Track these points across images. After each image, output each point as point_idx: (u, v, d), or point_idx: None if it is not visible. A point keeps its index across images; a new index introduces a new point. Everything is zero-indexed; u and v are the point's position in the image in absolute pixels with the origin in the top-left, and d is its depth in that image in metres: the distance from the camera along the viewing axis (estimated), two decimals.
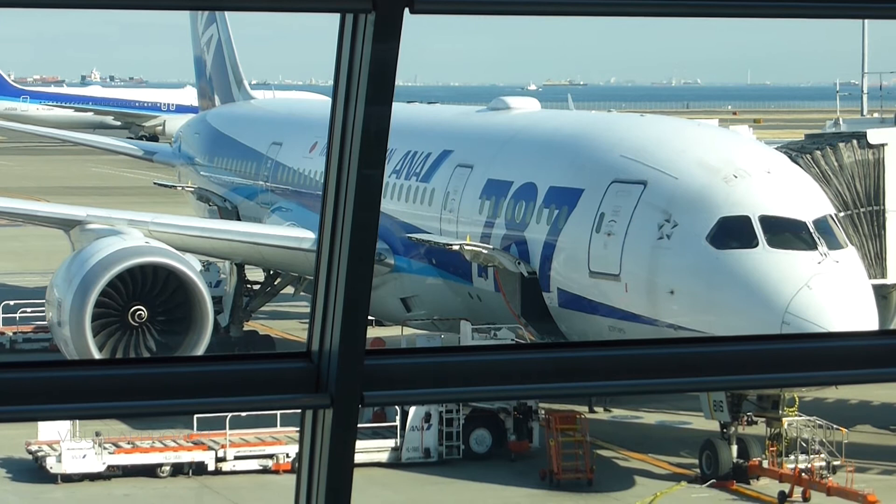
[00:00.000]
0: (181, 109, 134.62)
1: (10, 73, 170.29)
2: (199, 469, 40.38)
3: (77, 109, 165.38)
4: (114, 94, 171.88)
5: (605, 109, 57.54)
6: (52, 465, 39.25)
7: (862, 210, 43.24)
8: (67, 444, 39.35)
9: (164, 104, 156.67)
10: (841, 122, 49.21)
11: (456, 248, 45.17)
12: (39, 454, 39.82)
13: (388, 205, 47.81)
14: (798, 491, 38.39)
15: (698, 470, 40.09)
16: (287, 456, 40.02)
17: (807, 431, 39.68)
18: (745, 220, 38.52)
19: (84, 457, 39.29)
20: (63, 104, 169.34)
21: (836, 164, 43.40)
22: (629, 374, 9.19)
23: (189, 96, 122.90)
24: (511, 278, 43.46)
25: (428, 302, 48.47)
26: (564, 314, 41.99)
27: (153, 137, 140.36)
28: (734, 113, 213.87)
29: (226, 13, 72.17)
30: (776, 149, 44.55)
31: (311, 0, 7.82)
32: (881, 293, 41.19)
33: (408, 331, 49.33)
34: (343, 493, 8.22)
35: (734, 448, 39.84)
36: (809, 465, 38.86)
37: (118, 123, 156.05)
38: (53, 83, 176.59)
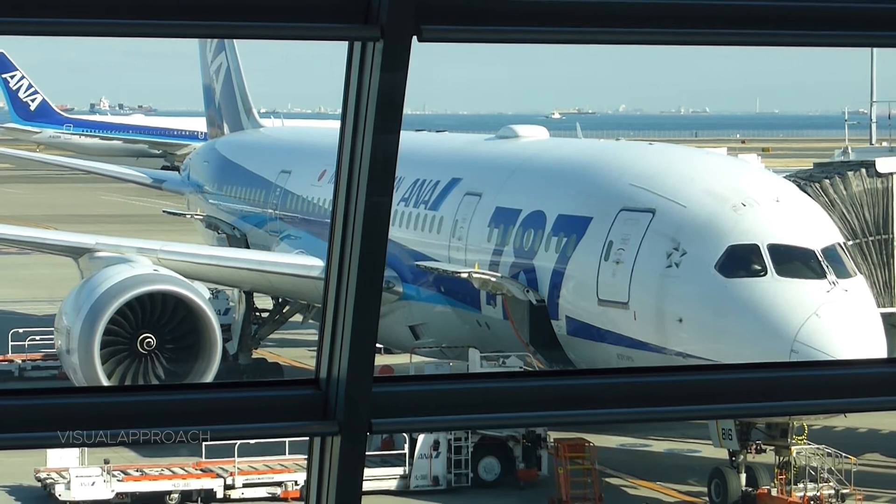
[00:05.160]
0: None
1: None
2: (207, 497, 40.37)
3: (122, 139, 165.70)
4: (153, 122, 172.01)
5: (613, 137, 57.58)
6: (60, 492, 39.23)
7: (871, 239, 43.23)
8: (76, 471, 39.36)
9: (201, 132, 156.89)
10: (850, 151, 49.25)
11: (464, 275, 45.17)
12: (48, 481, 39.82)
13: (396, 232, 47.85)
14: None
15: (707, 498, 40.05)
16: (296, 483, 40.00)
17: (815, 459, 39.65)
18: (753, 249, 38.50)
19: (93, 484, 39.28)
20: (104, 133, 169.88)
21: (844, 192, 43.40)
22: (637, 402, 9.20)
23: None
24: (520, 306, 43.43)
25: (436, 330, 48.45)
26: (573, 342, 41.97)
27: None
28: (742, 141, 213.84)
29: (234, 42, 72.31)
30: (785, 177, 44.59)
31: (320, 28, 7.85)
32: (890, 322, 41.12)
33: (416, 359, 49.32)
34: None
35: (743, 476, 39.78)
36: (818, 494, 38.83)
37: (157, 152, 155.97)
38: (63, 111, 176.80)
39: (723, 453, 40.45)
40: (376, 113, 7.84)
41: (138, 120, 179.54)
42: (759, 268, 38.19)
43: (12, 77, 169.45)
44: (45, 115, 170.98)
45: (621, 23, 8.23)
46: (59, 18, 7.53)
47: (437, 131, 76.19)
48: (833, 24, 8.53)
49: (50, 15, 7.51)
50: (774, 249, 38.47)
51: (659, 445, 45.92)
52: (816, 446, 40.17)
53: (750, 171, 43.88)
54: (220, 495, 40.40)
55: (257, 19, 7.84)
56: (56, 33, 7.74)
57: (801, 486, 39.17)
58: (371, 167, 7.92)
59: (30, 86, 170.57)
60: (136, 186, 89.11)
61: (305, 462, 8.41)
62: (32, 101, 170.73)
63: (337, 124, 8.07)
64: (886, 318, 40.10)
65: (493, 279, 44.27)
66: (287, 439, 37.66)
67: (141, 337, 44.83)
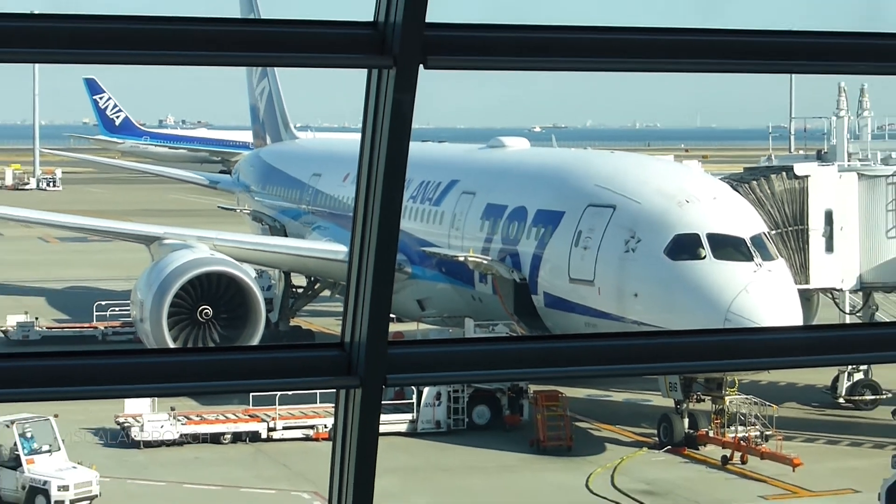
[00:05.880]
0: None
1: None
2: (254, 437, 40.44)
3: (188, 149, 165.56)
4: (213, 135, 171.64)
5: (582, 147, 57.44)
6: (136, 433, 39.31)
7: (789, 229, 43.17)
8: (148, 416, 39.46)
9: (249, 143, 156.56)
10: (773, 158, 49.14)
11: (461, 259, 45.20)
12: (125, 425, 39.87)
13: (406, 224, 47.83)
14: (737, 456, 38.38)
15: (657, 438, 40.11)
16: (325, 426, 40.04)
17: (744, 407, 39.68)
18: (695, 237, 38.50)
19: (161, 427, 39.39)
20: (173, 143, 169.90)
21: (768, 191, 43.34)
22: (601, 361, 9.18)
23: None
24: (506, 284, 43.46)
25: (438, 303, 48.48)
26: (549, 313, 41.97)
27: None
28: (686, 150, 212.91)
29: (276, 70, 72.24)
30: (720, 179, 44.55)
31: (344, 59, 7.82)
32: (805, 296, 41.15)
33: (422, 326, 49.39)
34: (370, 457, 8.20)
35: (686, 421, 39.85)
36: (746, 435, 38.84)
37: (216, 159, 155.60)
38: (138, 125, 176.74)
39: (669, 402, 40.50)
40: (389, 127, 7.81)
41: (201, 133, 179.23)
42: (700, 252, 38.20)
43: (101, 98, 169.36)
44: (127, 129, 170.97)
45: (591, 54, 8.20)
46: (139, 51, 7.52)
47: (439, 142, 76.02)
48: (759, 54, 8.51)
49: (131, 48, 7.49)
50: (712, 237, 38.47)
51: (618, 396, 45.98)
52: (745, 396, 40.21)
53: (692, 175, 43.85)
54: (264, 436, 40.48)
55: (295, 51, 7.82)
56: (135, 62, 7.72)
57: (732, 428, 39.22)
58: (385, 171, 7.89)
59: (115, 105, 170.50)
60: (196, 187, 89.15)
61: (333, 409, 8.39)
62: (117, 117, 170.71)
63: (358, 136, 8.03)
64: (802, 293, 40.13)
65: (485, 262, 44.28)
66: (318, 391, 37.68)
67: (200, 308, 44.84)
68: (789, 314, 36.69)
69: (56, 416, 34.63)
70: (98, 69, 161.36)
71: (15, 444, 33.43)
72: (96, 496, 33.10)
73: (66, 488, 32.57)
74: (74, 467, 33.55)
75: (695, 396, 40.07)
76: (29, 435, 33.76)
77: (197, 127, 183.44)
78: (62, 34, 7.29)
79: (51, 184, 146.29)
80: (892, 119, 51.31)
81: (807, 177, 43.78)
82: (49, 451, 33.67)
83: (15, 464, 33.23)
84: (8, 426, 33.70)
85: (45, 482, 32.71)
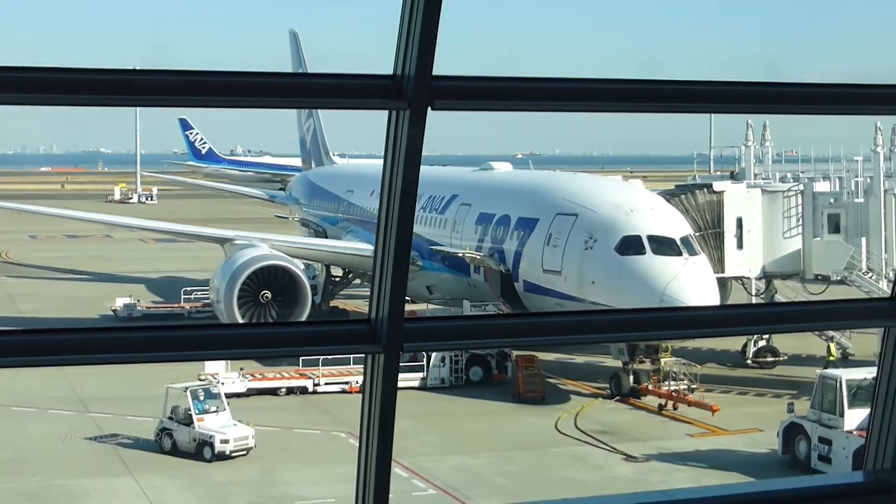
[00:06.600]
0: None
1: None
2: (302, 390, 40.42)
3: (255, 172, 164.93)
4: (275, 161, 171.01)
5: (552, 170, 57.49)
6: (215, 388, 39.24)
7: (709, 231, 43.19)
8: (223, 375, 39.42)
9: (301, 167, 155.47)
10: (697, 178, 49.18)
11: (460, 255, 45.21)
12: (205, 380, 39.82)
13: (418, 229, 47.85)
14: (670, 404, 38.39)
15: (609, 391, 40.12)
16: (356, 382, 40.07)
17: (675, 367, 39.71)
18: (638, 238, 38.51)
19: (233, 383, 39.34)
20: (244, 168, 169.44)
21: (693, 203, 43.36)
22: (567, 332, 9.18)
23: None
24: (495, 274, 43.47)
25: (443, 288, 48.50)
26: (527, 296, 41.99)
27: None
28: (631, 172, 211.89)
29: (318, 111, 72.24)
30: (657, 194, 44.58)
31: (370, 103, 7.83)
32: (721, 282, 41.18)
33: (430, 306, 49.39)
34: (390, 406, 8.20)
35: (631, 377, 39.88)
36: (677, 388, 38.86)
37: (277, 179, 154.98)
38: (218, 154, 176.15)
39: (618, 364, 40.53)
40: (405, 155, 7.81)
41: (266, 159, 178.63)
42: (642, 249, 38.21)
43: (191, 133, 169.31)
44: (210, 156, 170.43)
45: (559, 98, 8.20)
46: (218, 97, 7.54)
47: (443, 165, 76.02)
48: (686, 99, 8.51)
49: (213, 95, 7.52)
50: (651, 238, 38.48)
51: (580, 359, 45.98)
52: (676, 359, 40.22)
53: (636, 191, 43.87)
54: (310, 390, 40.45)
55: (334, 97, 7.83)
56: (214, 106, 7.74)
57: (666, 383, 39.25)
58: (402, 188, 7.89)
59: (202, 138, 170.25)
60: (259, 201, 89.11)
61: (363, 369, 8.38)
62: (203, 147, 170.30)
63: (381, 161, 8.03)
64: (719, 280, 40.16)
65: (478, 257, 44.30)
66: (351, 356, 37.70)
67: (262, 293, 44.89)
68: (709, 296, 36.72)
69: (222, 383, 35.10)
70: (187, 110, 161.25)
71: (188, 406, 33.10)
72: (252, 447, 32.53)
73: (226, 441, 32.18)
74: (235, 424, 33.04)
75: (638, 359, 40.10)
76: (201, 398, 33.47)
77: (261, 155, 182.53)
78: (160, 85, 7.31)
79: (149, 199, 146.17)
80: (787, 148, 51.39)
81: (722, 192, 43.84)
82: (216, 412, 33.26)
83: (188, 421, 32.77)
84: (183, 392, 33.46)
85: (211, 436, 32.28)
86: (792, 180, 45.43)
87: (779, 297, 44.85)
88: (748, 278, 44.23)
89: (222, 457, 32.02)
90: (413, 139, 7.76)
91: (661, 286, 36.61)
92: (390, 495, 8.15)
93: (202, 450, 32.33)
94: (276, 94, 7.69)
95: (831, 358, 41.89)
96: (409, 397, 38.82)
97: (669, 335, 10.75)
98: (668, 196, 43.74)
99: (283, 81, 7.80)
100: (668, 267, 37.38)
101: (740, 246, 43.59)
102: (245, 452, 32.48)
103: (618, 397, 39.43)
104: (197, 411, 32.99)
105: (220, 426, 32.75)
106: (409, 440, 33.17)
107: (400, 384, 8.32)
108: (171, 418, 33.07)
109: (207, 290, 51.54)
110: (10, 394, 37.97)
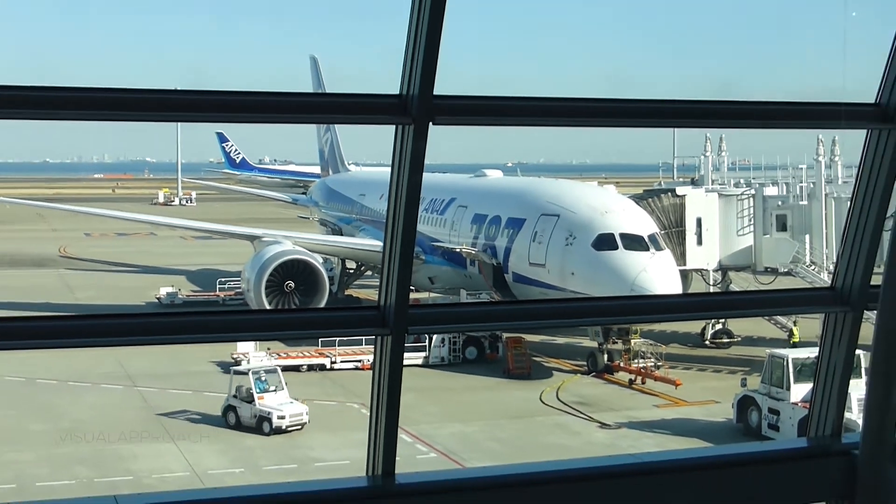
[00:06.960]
0: None
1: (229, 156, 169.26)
2: (321, 367, 40.32)
3: (281, 178, 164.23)
4: (299, 169, 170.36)
5: (537, 176, 57.41)
6: (244, 364, 39.17)
7: (672, 230, 43.18)
8: (252, 353, 39.31)
9: (320, 174, 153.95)
10: (662, 184, 49.12)
11: (458, 250, 45.14)
12: (238, 358, 39.73)
13: (421, 227, 47.74)
14: (639, 379, 38.37)
15: (586, 367, 40.10)
16: (368, 360, 39.93)
17: (644, 347, 39.69)
18: (612, 235, 38.46)
19: (261, 361, 39.26)
20: (273, 175, 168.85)
21: (659, 205, 43.34)
22: (550, 317, 9.19)
23: None
24: (488, 267, 43.41)
25: (443, 279, 48.42)
26: (516, 286, 41.93)
27: None
28: (605, 178, 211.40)
29: (335, 126, 72.08)
30: (628, 198, 44.55)
31: (380, 118, 7.84)
32: (683, 274, 41.17)
33: (432, 295, 49.32)
34: (397, 381, 8.21)
35: (605, 356, 39.85)
36: (646, 365, 38.85)
37: (300, 185, 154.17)
38: (250, 163, 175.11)
39: (594, 344, 40.48)
40: (409, 164, 7.82)
41: (291, 167, 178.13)
42: (615, 245, 38.16)
43: (227, 145, 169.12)
44: (243, 165, 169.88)
45: (544, 115, 8.21)
46: (250, 114, 7.55)
47: (443, 172, 75.92)
48: (653, 116, 8.52)
49: (245, 112, 7.52)
50: (623, 235, 38.42)
51: (561, 340, 45.91)
52: (644, 340, 40.20)
53: (609, 195, 43.81)
54: (328, 367, 40.36)
55: (348, 113, 7.84)
56: (246, 122, 7.76)
57: (636, 361, 39.22)
58: (407, 192, 7.89)
59: (236, 149, 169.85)
60: (283, 203, 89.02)
61: (373, 349, 8.37)
62: (237, 157, 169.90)
63: (389, 169, 8.03)
64: (681, 272, 40.11)
65: (473, 252, 44.23)
66: (363, 337, 37.65)
67: (286, 283, 44.80)
68: (673, 286, 36.68)
69: (280, 368, 34.46)
70: (223, 125, 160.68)
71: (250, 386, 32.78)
72: (306, 423, 32.05)
73: (282, 417, 31.75)
74: (291, 402, 32.57)
75: (611, 340, 40.07)
76: (263, 378, 33.17)
77: (287, 163, 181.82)
78: (199, 103, 7.32)
79: (189, 202, 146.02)
80: (741, 157, 51.35)
81: (684, 196, 43.84)
82: (275, 391, 32.84)
83: (251, 399, 32.42)
84: (245, 373, 33.23)
85: (269, 413, 31.81)
86: (745, 185, 45.44)
87: (733, 287, 44.84)
88: (707, 270, 44.23)
89: (279, 431, 31.59)
90: (417, 150, 7.76)
91: (632, 277, 36.60)
92: (397, 458, 8.16)
93: (261, 424, 31.92)
94: (298, 112, 7.71)
95: (794, 339, 41.83)
96: (414, 373, 38.71)
97: (638, 319, 10.79)
98: (638, 199, 43.71)
99: (305, 101, 7.81)
100: (638, 261, 37.36)
101: (700, 242, 43.61)
102: (300, 427, 31.95)
103: (594, 373, 39.40)
104: (258, 390, 32.62)
105: (279, 403, 32.33)
106: (413, 411, 33.14)
107: (405, 362, 8.32)
108: (235, 396, 32.82)
109: (239, 281, 51.50)
110: (68, 370, 38.00)
